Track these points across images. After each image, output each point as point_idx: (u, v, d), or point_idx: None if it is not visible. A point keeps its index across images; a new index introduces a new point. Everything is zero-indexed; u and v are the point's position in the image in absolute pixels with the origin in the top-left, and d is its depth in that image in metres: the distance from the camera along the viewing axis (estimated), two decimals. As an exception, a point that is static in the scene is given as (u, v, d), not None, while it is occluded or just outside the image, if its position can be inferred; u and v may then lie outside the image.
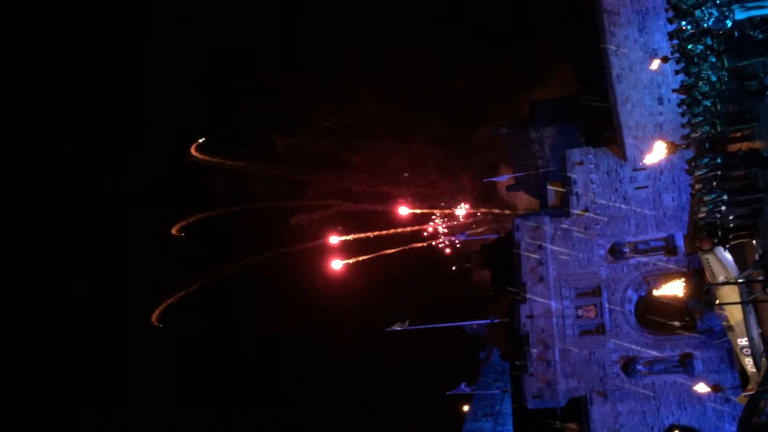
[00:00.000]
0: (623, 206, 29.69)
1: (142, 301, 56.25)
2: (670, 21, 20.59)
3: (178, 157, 55.26)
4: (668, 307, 28.39)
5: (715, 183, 19.94)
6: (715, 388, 26.00)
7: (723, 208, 20.06)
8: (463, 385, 38.25)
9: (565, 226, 30.21)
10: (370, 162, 52.55)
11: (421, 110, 50.81)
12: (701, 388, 26.01)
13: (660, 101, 29.34)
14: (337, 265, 46.64)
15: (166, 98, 55.10)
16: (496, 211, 45.37)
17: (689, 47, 18.98)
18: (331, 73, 53.11)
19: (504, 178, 38.08)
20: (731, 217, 20.51)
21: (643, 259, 28.96)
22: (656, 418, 26.96)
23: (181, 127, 56.28)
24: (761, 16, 14.61)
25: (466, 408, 47.43)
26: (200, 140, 55.38)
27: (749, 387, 21.90)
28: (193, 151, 54.95)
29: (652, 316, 29.01)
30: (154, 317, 55.27)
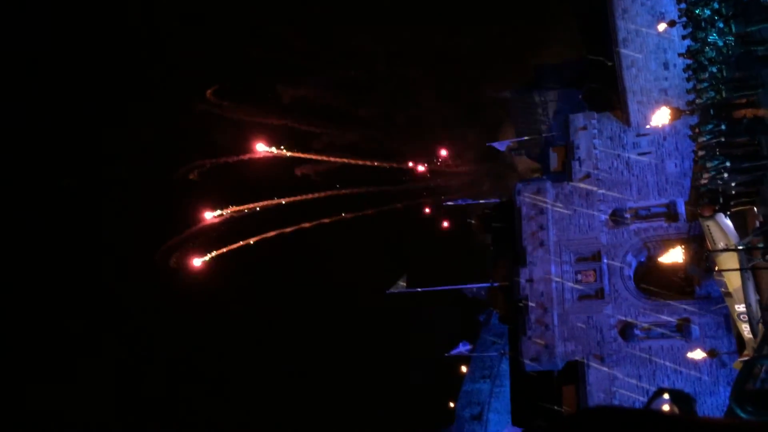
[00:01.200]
0: (625, 172, 29.64)
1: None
2: (678, -16, 20.31)
3: (186, 106, 55.02)
4: (667, 272, 28.55)
5: (718, 150, 19.91)
6: (712, 353, 26.30)
7: (725, 174, 20.05)
8: (461, 344, 38.66)
9: (566, 191, 30.20)
10: (376, 117, 52.29)
11: (426, 70, 50.47)
12: (697, 353, 26.32)
13: (665, 66, 29.07)
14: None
15: (176, 46, 55.12)
16: (499, 174, 45.29)
17: (697, 11, 18.76)
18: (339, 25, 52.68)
19: (507, 143, 37.89)
20: (733, 184, 20.52)
21: (644, 224, 29.02)
22: (652, 382, 27.33)
23: (190, 75, 56.23)
24: (771, -19, 14.42)
25: (464, 369, 48.08)
26: (213, 88, 54.95)
27: (745, 353, 22.17)
28: (209, 95, 54.46)
29: (651, 281, 29.20)
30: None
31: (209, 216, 53.44)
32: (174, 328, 58.15)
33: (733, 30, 17.30)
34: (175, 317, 57.85)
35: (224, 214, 53.41)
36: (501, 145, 38.06)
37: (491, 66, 46.08)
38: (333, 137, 53.02)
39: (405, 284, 33.78)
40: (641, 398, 27.32)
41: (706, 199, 21.39)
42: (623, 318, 28.32)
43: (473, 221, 37.55)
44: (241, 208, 53.52)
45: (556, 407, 28.91)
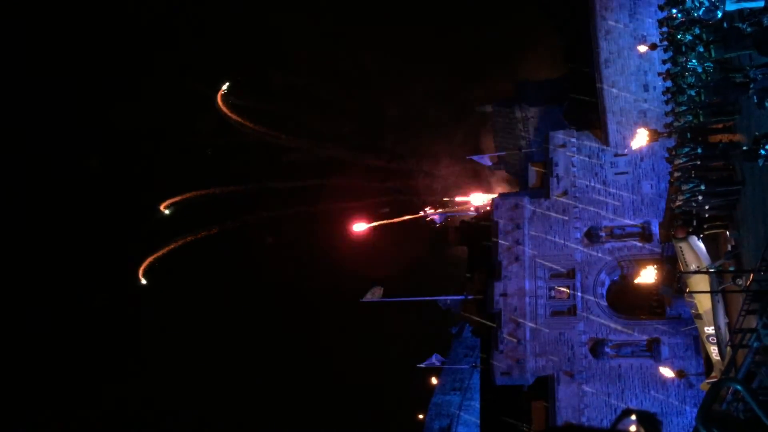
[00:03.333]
0: (602, 191, 29.93)
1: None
2: (660, 8, 20.58)
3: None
4: (639, 292, 28.81)
5: (693, 173, 20.14)
6: (680, 373, 26.54)
7: (700, 198, 20.29)
8: (434, 357, 38.65)
9: (543, 207, 30.41)
10: (364, 110, 52.24)
11: (414, 71, 50.71)
12: (666, 372, 26.54)
13: (645, 88, 29.45)
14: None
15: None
16: (478, 189, 45.47)
17: (678, 36, 19.00)
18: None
19: (486, 158, 38.10)
20: (707, 207, 20.76)
21: (618, 244, 29.30)
22: (620, 400, 27.50)
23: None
24: (751, 9, 14.64)
25: (434, 381, 48.05)
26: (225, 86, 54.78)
27: (713, 374, 22.38)
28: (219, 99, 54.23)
29: (624, 300, 29.44)
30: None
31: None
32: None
33: (713, 56, 17.55)
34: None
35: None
36: (481, 159, 38.25)
37: (473, 83, 46.43)
38: (321, 126, 53.08)
39: (380, 293, 33.74)
40: (610, 416, 27.47)
41: (680, 221, 21.62)
42: (594, 335, 28.51)
43: (449, 233, 37.62)
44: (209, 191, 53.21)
45: (524, 425, 28.97)
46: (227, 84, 54.89)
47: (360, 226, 44.74)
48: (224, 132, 53.97)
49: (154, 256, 54.24)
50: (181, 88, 53.68)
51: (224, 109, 54.29)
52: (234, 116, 53.96)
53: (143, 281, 54.94)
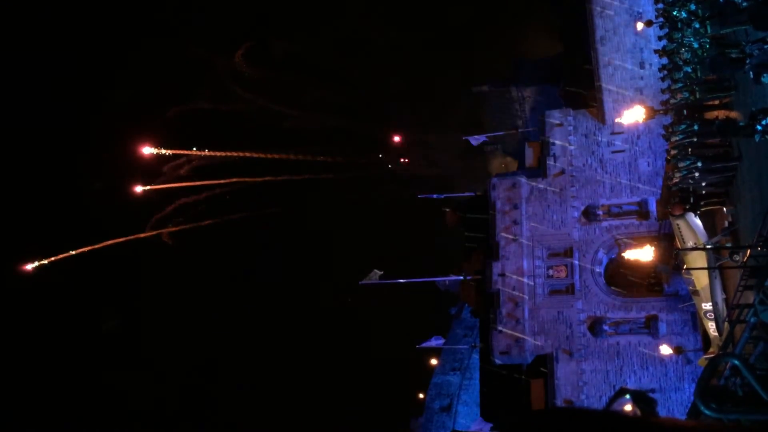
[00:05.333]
0: (599, 169, 29.91)
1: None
2: (656, -16, 20.47)
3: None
4: (637, 270, 28.91)
5: (690, 150, 20.15)
6: (678, 350, 26.72)
7: (696, 174, 20.32)
8: (434, 339, 38.82)
9: (541, 186, 30.40)
10: (366, 81, 51.96)
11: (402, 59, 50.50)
12: (664, 349, 26.71)
13: (641, 65, 29.33)
14: None
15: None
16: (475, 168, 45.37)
17: (674, 12, 18.92)
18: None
19: (482, 138, 38.00)
20: (704, 184, 20.80)
21: (616, 222, 29.34)
22: (618, 377, 27.70)
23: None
24: (747, -16, 14.55)
25: (434, 362, 48.31)
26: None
27: (710, 350, 22.53)
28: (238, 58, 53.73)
29: (621, 278, 29.54)
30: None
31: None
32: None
33: (709, 32, 17.49)
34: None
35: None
36: (476, 140, 38.16)
37: (470, 63, 46.22)
38: (322, 96, 52.85)
39: (379, 275, 33.79)
40: (608, 393, 27.67)
41: (677, 199, 21.66)
42: (593, 313, 28.64)
43: (447, 214, 37.64)
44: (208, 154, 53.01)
45: (524, 401, 29.18)
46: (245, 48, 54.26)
47: None
48: (224, 99, 53.79)
49: (159, 215, 53.72)
50: (182, 55, 53.58)
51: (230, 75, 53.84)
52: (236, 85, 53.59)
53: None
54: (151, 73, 56.60)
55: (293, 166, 51.83)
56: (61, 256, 53.63)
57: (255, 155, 52.40)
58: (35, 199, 57.91)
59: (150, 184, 53.81)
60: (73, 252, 53.67)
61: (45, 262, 53.16)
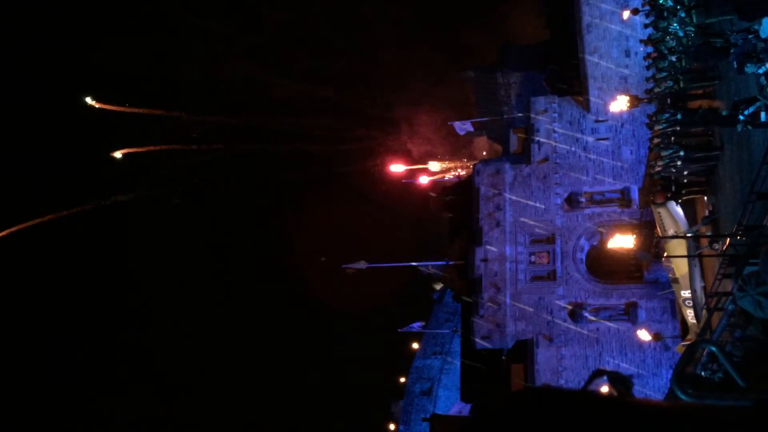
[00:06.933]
0: (583, 156, 30.03)
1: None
2: (643, -28, 20.48)
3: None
4: (618, 257, 29.15)
5: (673, 138, 20.29)
6: (656, 336, 27.04)
7: (679, 163, 20.47)
8: (415, 324, 39.00)
9: (524, 173, 30.49)
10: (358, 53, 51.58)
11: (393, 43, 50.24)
12: (643, 335, 27.02)
13: (627, 54, 29.41)
14: None
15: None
16: (461, 157, 45.34)
17: (660, 1, 18.96)
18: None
19: (468, 123, 37.99)
20: (686, 173, 20.97)
21: (598, 209, 29.53)
22: (598, 363, 27.99)
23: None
24: (733, -26, 14.59)
25: (415, 346, 48.57)
26: None
27: (688, 337, 22.84)
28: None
29: (602, 265, 29.79)
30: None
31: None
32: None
33: (694, 20, 17.54)
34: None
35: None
36: (461, 128, 38.15)
37: (456, 49, 46.06)
38: (315, 66, 52.50)
39: (364, 264, 33.83)
40: (587, 378, 27.95)
41: (659, 187, 21.83)
42: (573, 300, 28.87)
43: (431, 199, 37.68)
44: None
45: (504, 386, 29.42)
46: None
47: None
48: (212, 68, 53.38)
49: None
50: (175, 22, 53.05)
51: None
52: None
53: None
54: (143, 38, 56.03)
55: (281, 136, 51.57)
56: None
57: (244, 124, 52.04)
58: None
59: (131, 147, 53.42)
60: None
61: None
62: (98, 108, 53.59)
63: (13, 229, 53.05)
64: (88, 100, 53.36)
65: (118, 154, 53.92)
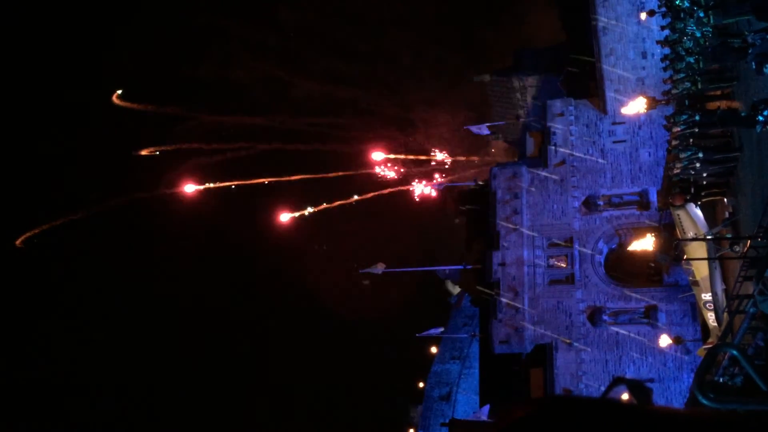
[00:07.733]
0: (600, 159, 29.88)
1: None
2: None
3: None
4: (637, 260, 28.94)
5: (691, 140, 20.10)
6: (677, 340, 26.78)
7: (697, 165, 20.29)
8: (433, 329, 38.93)
9: (542, 176, 30.39)
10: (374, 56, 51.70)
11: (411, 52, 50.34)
12: (663, 339, 26.77)
13: (644, 56, 29.24)
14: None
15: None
16: (475, 158, 45.27)
17: (677, 2, 18.83)
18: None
19: (483, 127, 37.90)
20: (705, 175, 20.78)
21: (616, 212, 29.34)
22: (617, 367, 27.78)
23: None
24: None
25: (434, 350, 48.44)
26: None
27: (709, 340, 22.60)
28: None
29: (621, 268, 29.57)
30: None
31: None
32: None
33: (711, 21, 17.41)
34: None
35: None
36: (478, 130, 38.06)
37: (473, 53, 46.05)
38: (329, 66, 52.69)
39: (383, 267, 33.86)
40: (607, 382, 27.73)
41: (678, 189, 21.64)
42: (592, 303, 28.69)
43: (448, 203, 37.65)
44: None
45: (522, 392, 29.28)
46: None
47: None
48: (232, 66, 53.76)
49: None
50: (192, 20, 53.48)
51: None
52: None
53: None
54: (161, 37, 56.62)
55: (300, 136, 51.74)
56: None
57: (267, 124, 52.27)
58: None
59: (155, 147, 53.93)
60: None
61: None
62: (122, 106, 54.35)
63: (45, 226, 53.83)
64: (118, 93, 53.84)
65: (143, 152, 54.55)
